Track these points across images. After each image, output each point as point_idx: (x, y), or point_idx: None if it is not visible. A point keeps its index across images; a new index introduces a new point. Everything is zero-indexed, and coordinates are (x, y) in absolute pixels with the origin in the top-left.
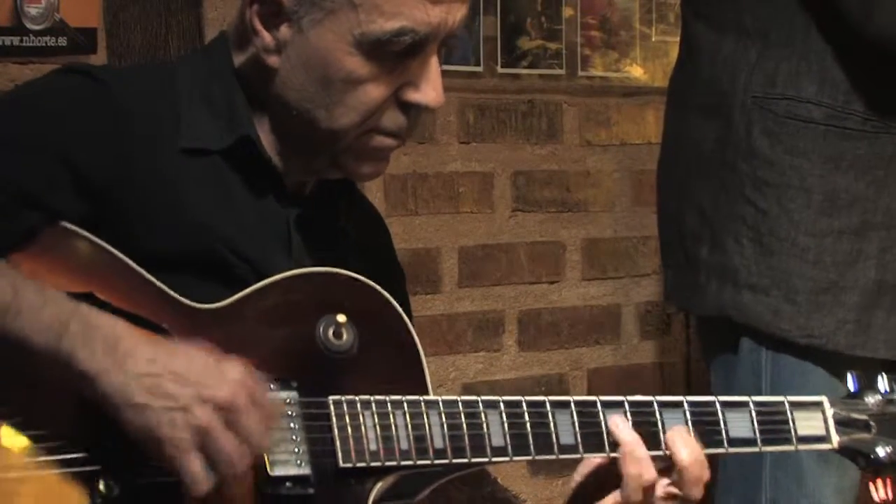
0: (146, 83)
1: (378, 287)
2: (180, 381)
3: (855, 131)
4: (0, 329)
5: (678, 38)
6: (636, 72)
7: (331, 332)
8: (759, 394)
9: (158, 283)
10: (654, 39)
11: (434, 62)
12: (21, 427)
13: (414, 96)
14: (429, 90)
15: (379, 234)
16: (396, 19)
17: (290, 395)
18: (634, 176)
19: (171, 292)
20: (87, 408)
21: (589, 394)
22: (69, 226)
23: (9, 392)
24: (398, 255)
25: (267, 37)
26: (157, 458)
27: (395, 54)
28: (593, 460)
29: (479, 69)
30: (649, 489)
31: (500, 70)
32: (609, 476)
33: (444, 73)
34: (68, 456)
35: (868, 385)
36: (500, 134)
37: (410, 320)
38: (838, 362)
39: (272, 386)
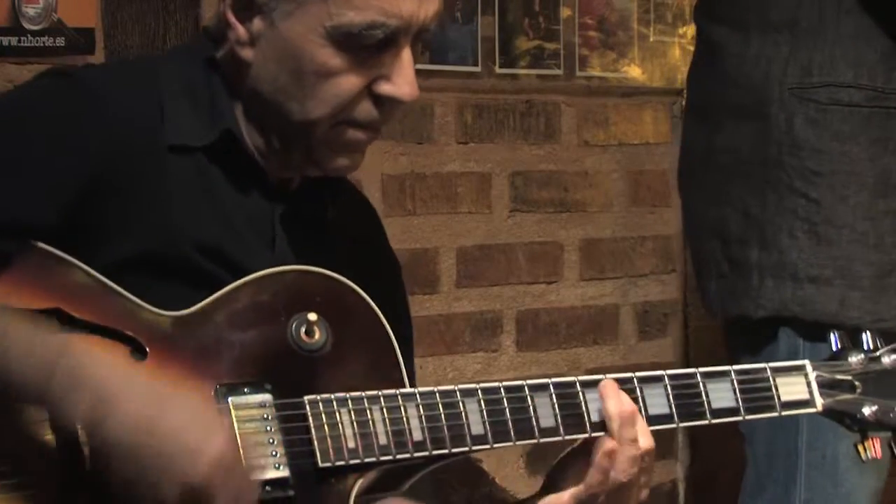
0: (129, 82)
1: (349, 282)
2: (156, 454)
3: None
4: None
5: (676, 39)
6: (634, 72)
7: (302, 330)
8: None
9: (127, 294)
10: (651, 40)
11: (407, 55)
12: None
13: (387, 89)
14: (402, 83)
15: (368, 223)
16: (367, 12)
17: (264, 397)
18: (633, 176)
19: (141, 302)
20: (64, 449)
21: None
22: (35, 243)
23: None
24: (396, 254)
25: (240, 29)
26: None
27: (367, 47)
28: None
29: (477, 69)
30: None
31: (497, 70)
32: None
33: (442, 74)
34: (37, 492)
35: (851, 344)
36: (498, 134)
37: (405, 309)
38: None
39: (246, 389)
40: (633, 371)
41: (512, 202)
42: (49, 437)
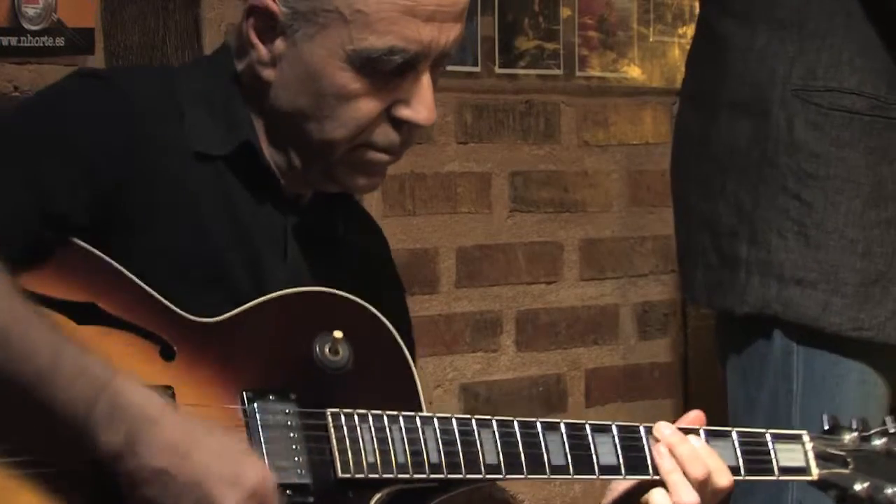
0: (154, 86)
1: (370, 306)
2: (189, 487)
3: None
4: (30, 393)
5: (676, 39)
6: (634, 72)
7: (327, 348)
8: (791, 396)
9: (160, 297)
10: (651, 40)
11: (426, 80)
12: (31, 482)
13: (405, 114)
14: (420, 108)
15: (376, 244)
16: (387, 37)
17: (289, 406)
18: (632, 176)
19: (173, 306)
20: (98, 473)
21: (587, 393)
22: (75, 240)
23: (24, 450)
24: (396, 254)
25: (262, 50)
26: None
27: (387, 72)
28: (622, 485)
29: (477, 69)
30: None
31: (497, 70)
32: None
33: (441, 73)
34: None
35: (842, 424)
36: (498, 134)
37: (411, 331)
38: (878, 357)
39: (272, 397)
40: (633, 371)
41: (512, 202)
42: (84, 458)
